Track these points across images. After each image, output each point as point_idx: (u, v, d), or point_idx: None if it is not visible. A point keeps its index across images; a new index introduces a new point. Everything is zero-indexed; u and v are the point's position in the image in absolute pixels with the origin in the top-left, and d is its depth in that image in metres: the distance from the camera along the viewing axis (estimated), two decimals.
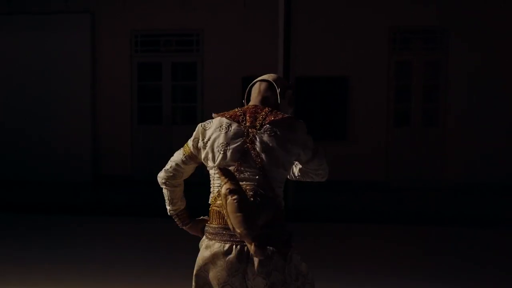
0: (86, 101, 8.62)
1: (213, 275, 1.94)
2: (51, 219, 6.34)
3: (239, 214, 1.65)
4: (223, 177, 1.75)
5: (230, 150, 1.95)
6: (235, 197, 1.66)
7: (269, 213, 1.89)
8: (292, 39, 7.26)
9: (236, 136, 1.97)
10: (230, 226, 1.75)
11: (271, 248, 1.88)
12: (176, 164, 2.08)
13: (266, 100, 2.09)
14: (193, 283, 2.00)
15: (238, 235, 1.76)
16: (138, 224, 6.09)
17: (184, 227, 2.19)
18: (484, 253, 5.02)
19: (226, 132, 1.98)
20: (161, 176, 2.12)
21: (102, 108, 8.68)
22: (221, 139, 1.97)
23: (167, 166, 2.10)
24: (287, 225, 2.00)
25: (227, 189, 1.68)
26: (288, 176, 2.22)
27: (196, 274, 2.00)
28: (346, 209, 6.96)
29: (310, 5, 8.15)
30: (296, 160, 2.10)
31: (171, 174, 2.09)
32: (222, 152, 1.95)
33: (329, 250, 5.13)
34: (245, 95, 2.18)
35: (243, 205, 1.66)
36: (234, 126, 1.99)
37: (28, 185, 8.17)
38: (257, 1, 8.09)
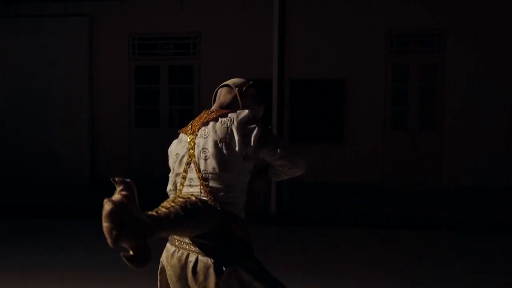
0: (84, 104, 8.65)
1: (168, 275, 1.99)
2: (49, 222, 6.33)
3: (105, 224, 1.66)
4: (116, 186, 1.75)
5: (178, 160, 2.02)
6: (108, 208, 1.67)
7: (199, 224, 1.85)
8: (289, 42, 7.27)
9: (182, 145, 2.02)
10: None
11: (207, 260, 1.86)
12: (170, 177, 2.13)
13: (227, 104, 2.07)
14: (158, 282, 2.08)
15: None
16: None
17: None
18: (482, 256, 4.96)
19: (178, 144, 2.06)
20: (167, 189, 2.16)
21: (100, 110, 8.71)
22: (175, 151, 2.06)
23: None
24: (239, 237, 1.91)
25: (106, 199, 1.70)
26: (270, 177, 2.15)
27: (159, 272, 2.07)
28: (341, 212, 6.93)
29: (307, 7, 8.17)
30: (245, 157, 1.94)
31: (171, 185, 2.12)
32: (176, 163, 2.03)
33: (321, 254, 5.08)
34: (212, 103, 2.17)
35: (112, 215, 1.66)
36: (183, 137, 2.05)
37: (26, 187, 8.18)
38: (254, 4, 8.12)
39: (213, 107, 2.09)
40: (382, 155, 8.31)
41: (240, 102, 2.06)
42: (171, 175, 2.11)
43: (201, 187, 1.91)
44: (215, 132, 1.93)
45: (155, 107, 8.65)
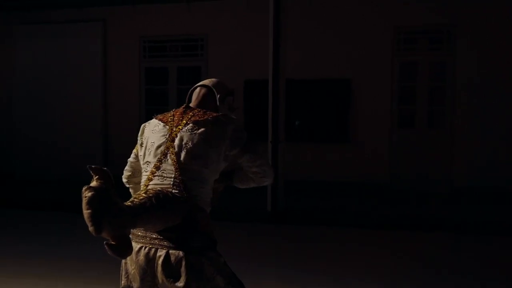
0: (98, 105, 9.01)
1: (132, 274, 2.00)
2: (62, 216, 6.62)
3: (87, 211, 1.63)
4: (93, 175, 1.74)
5: (154, 149, 2.04)
6: (88, 194, 1.64)
7: (172, 215, 1.87)
8: (292, 41, 7.27)
9: (161, 135, 2.06)
10: None
11: (178, 252, 1.88)
12: (130, 162, 2.19)
13: (204, 104, 2.16)
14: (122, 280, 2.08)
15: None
16: None
17: None
18: (490, 261, 4.70)
19: (154, 132, 2.08)
20: (123, 176, 2.22)
21: (113, 111, 9.05)
22: (150, 139, 2.08)
23: (126, 166, 2.22)
24: (203, 229, 1.94)
25: (86, 186, 1.68)
26: (235, 184, 2.25)
27: (123, 274, 2.07)
28: (346, 212, 6.85)
29: (312, 5, 8.16)
30: (224, 157, 2.06)
31: (130, 172, 2.20)
32: (149, 151, 2.06)
33: (321, 254, 5.02)
34: (186, 99, 2.25)
35: (94, 202, 1.64)
36: (161, 127, 2.08)
37: (42, 184, 8.62)
38: (259, 5, 8.18)
39: (193, 105, 2.17)
40: (389, 155, 8.15)
41: (218, 107, 2.17)
42: (133, 160, 2.17)
43: (175, 179, 1.95)
44: (208, 130, 2.01)
45: (164, 108, 8.90)
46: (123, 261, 2.03)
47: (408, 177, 8.02)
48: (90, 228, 1.63)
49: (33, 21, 9.19)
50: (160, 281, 1.92)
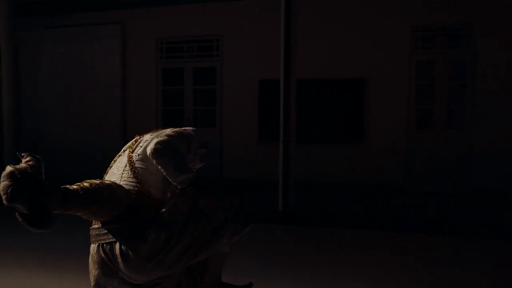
0: (117, 105, 9.19)
1: (96, 277, 2.11)
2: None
3: (3, 182, 1.70)
4: (21, 159, 1.87)
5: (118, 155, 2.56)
6: (9, 169, 1.72)
7: (108, 203, 2.02)
8: (306, 39, 7.23)
9: (129, 143, 2.60)
10: None
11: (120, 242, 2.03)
12: None
13: None
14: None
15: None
16: None
17: None
18: (503, 267, 4.51)
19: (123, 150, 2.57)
20: None
21: (131, 111, 9.22)
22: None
23: None
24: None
25: (9, 165, 1.76)
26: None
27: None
28: (359, 214, 6.74)
29: (327, 4, 8.10)
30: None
31: None
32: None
33: (333, 256, 4.94)
34: None
35: (11, 175, 1.70)
36: (132, 141, 2.59)
37: (61, 184, 8.85)
38: (272, 5, 8.17)
39: None
40: (404, 155, 7.99)
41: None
42: None
43: (125, 167, 2.31)
44: (160, 131, 2.54)
45: (180, 108, 9.01)
46: (91, 268, 2.15)
47: (425, 179, 7.85)
48: (4, 197, 1.69)
49: (55, 25, 9.45)
50: (122, 268, 2.05)
